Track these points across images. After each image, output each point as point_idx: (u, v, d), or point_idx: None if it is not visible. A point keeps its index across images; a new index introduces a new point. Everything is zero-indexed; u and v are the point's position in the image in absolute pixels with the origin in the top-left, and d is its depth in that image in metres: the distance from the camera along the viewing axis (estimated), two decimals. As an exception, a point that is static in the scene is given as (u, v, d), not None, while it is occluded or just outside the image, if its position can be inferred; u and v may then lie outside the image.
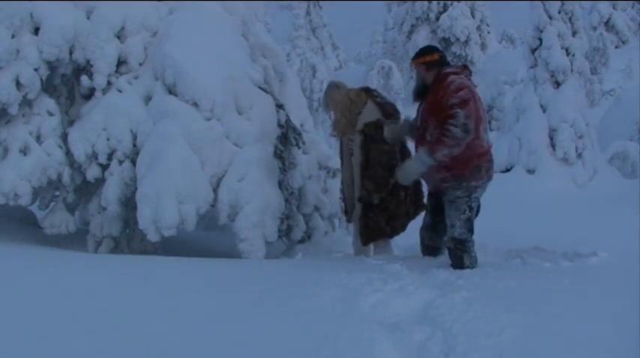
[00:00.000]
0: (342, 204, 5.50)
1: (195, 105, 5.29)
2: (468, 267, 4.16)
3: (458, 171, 4.19)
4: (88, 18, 5.59)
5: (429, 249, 4.67)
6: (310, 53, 29.27)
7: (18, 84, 5.22)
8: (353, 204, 5.16)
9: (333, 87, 5.30)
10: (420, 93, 4.41)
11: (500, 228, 6.69)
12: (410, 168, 4.35)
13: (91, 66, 5.47)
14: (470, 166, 4.20)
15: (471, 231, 4.27)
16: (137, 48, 5.65)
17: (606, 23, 31.93)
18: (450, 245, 4.27)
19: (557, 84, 13.04)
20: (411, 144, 4.92)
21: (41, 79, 5.35)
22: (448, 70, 4.33)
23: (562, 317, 2.88)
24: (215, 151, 5.22)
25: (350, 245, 5.75)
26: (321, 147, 6.20)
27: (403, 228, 5.11)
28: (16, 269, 3.84)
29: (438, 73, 4.31)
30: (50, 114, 5.50)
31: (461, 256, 4.21)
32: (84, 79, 5.54)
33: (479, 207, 4.42)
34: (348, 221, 5.45)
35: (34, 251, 4.93)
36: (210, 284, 3.64)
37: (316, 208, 6.07)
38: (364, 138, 4.95)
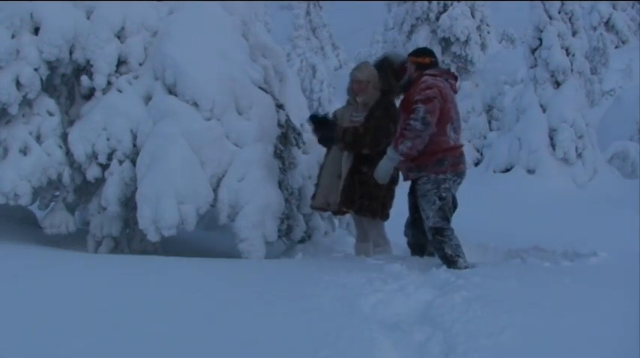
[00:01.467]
0: (314, 189, 5.45)
1: (195, 105, 5.29)
2: (451, 257, 4.26)
3: (421, 161, 4.45)
4: (88, 18, 5.60)
5: (413, 247, 4.88)
6: (310, 53, 29.28)
7: (18, 84, 5.22)
8: (326, 192, 5.17)
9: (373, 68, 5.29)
10: (404, 88, 4.68)
11: (500, 228, 6.69)
12: (381, 166, 4.55)
13: (91, 66, 5.47)
14: (433, 158, 4.44)
15: (445, 219, 4.42)
16: (137, 48, 5.65)
17: (606, 23, 31.92)
18: (429, 236, 4.45)
19: (557, 84, 13.04)
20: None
21: (41, 79, 5.35)
22: (428, 71, 4.58)
23: (562, 317, 2.88)
24: (215, 151, 5.22)
25: (350, 245, 5.75)
26: (321, 146, 6.20)
27: (370, 211, 5.05)
28: (16, 270, 3.84)
29: (420, 75, 4.58)
30: (50, 114, 5.51)
31: (441, 247, 4.33)
32: (84, 79, 5.54)
33: (455, 201, 4.60)
34: (312, 207, 5.45)
35: (34, 251, 4.93)
36: (210, 284, 3.64)
37: (316, 208, 6.07)
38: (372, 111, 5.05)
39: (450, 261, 4.24)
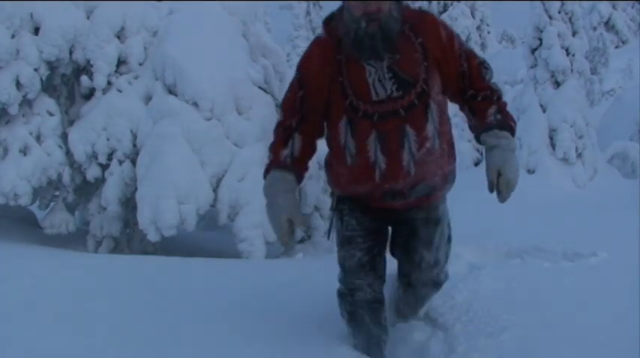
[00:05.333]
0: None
1: (195, 105, 5.30)
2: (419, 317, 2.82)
3: (454, 164, 2.58)
4: (88, 18, 5.61)
5: (370, 306, 2.55)
6: (310, 53, 29.24)
7: (18, 84, 5.23)
8: None
9: None
10: (391, 41, 2.28)
11: (500, 228, 6.69)
12: (516, 165, 2.37)
13: (91, 66, 5.48)
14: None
15: None
16: (137, 48, 5.66)
17: (606, 23, 31.93)
18: (425, 291, 2.66)
19: (557, 84, 13.04)
20: None
21: (41, 79, 5.36)
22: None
23: (562, 317, 2.88)
24: (215, 151, 5.23)
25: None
26: (321, 146, 6.23)
27: None
28: (16, 269, 3.84)
29: (412, 10, 2.45)
30: (50, 114, 5.52)
31: (423, 303, 2.80)
32: (84, 79, 5.55)
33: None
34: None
35: (34, 251, 4.93)
36: (209, 285, 3.63)
37: (316, 208, 6.08)
38: None
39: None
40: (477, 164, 16.00)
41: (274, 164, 2.44)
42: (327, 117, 2.44)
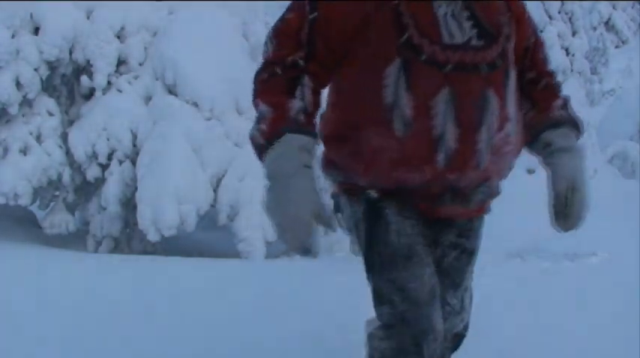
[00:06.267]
0: None
1: (195, 105, 5.30)
2: None
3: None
4: (88, 18, 5.61)
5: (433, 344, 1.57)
6: (310, 53, 29.27)
7: (18, 84, 5.23)
8: None
9: None
10: None
11: (500, 228, 6.69)
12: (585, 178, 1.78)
13: (91, 66, 5.48)
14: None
15: None
16: (137, 48, 5.67)
17: (606, 23, 31.90)
18: (448, 345, 1.82)
19: (557, 84, 13.08)
20: None
21: (41, 79, 5.37)
22: None
23: (562, 317, 2.88)
24: (215, 151, 5.23)
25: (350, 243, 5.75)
26: (322, 147, 6.23)
27: None
28: (16, 269, 3.84)
29: None
30: (50, 114, 5.52)
31: None
32: (84, 79, 5.56)
33: None
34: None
35: (34, 251, 4.93)
36: (209, 285, 3.64)
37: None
38: None
39: None
40: (477, 164, 15.98)
41: (283, 122, 1.39)
42: (353, 61, 1.49)
